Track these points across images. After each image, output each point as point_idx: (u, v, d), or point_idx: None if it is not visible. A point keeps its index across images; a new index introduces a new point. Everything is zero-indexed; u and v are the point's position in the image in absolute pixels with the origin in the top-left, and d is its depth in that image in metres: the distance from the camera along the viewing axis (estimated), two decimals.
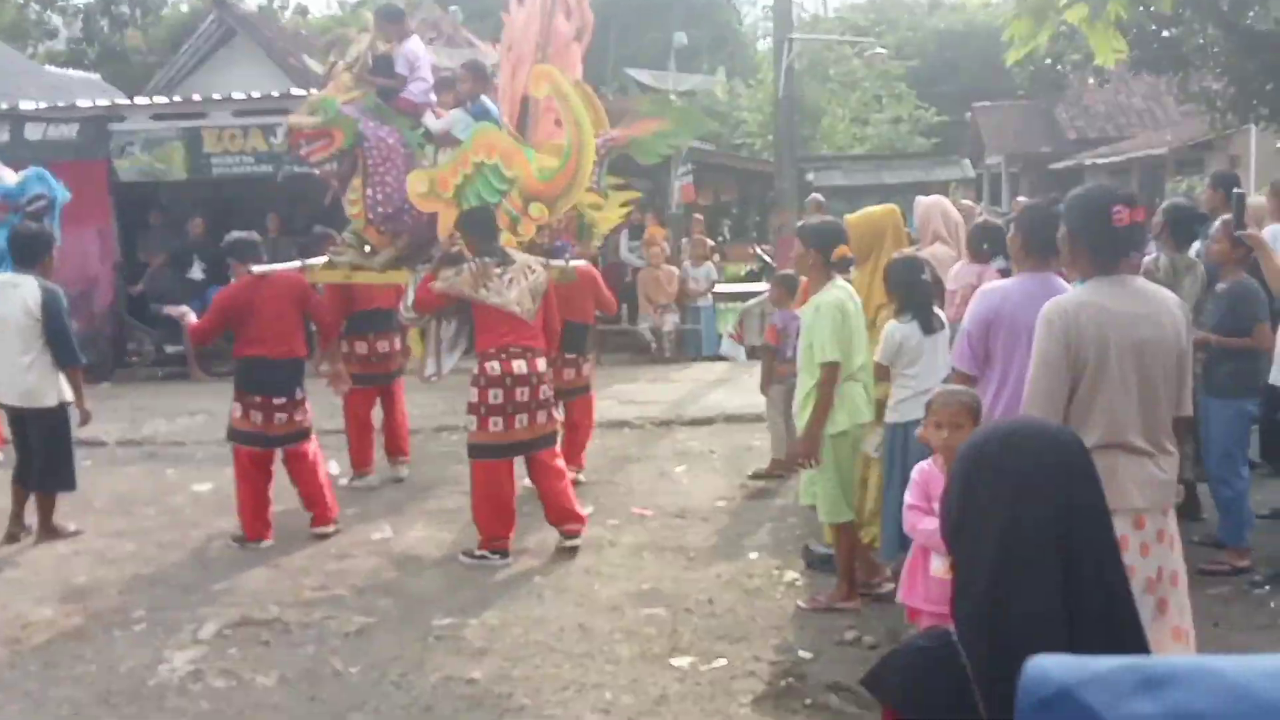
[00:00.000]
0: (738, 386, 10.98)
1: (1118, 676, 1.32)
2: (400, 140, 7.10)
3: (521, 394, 6.08)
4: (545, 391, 6.24)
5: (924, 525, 3.76)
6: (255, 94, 13.72)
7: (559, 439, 6.61)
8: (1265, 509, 6.26)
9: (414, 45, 7.25)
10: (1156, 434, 3.37)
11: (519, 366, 6.07)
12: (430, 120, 7.12)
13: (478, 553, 6.16)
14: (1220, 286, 5.72)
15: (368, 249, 7.30)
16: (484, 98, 7.10)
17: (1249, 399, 5.67)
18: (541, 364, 6.23)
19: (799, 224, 7.01)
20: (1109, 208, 3.31)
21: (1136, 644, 1.81)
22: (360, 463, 7.89)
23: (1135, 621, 1.85)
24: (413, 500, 7.53)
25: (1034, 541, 1.78)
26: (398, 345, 7.94)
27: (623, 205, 7.48)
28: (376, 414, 7.99)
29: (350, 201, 7.20)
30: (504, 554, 6.14)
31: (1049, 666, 1.36)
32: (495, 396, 6.06)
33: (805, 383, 5.21)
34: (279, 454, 6.66)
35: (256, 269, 6.67)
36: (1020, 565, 1.77)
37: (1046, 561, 1.78)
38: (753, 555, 6.12)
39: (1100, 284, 3.38)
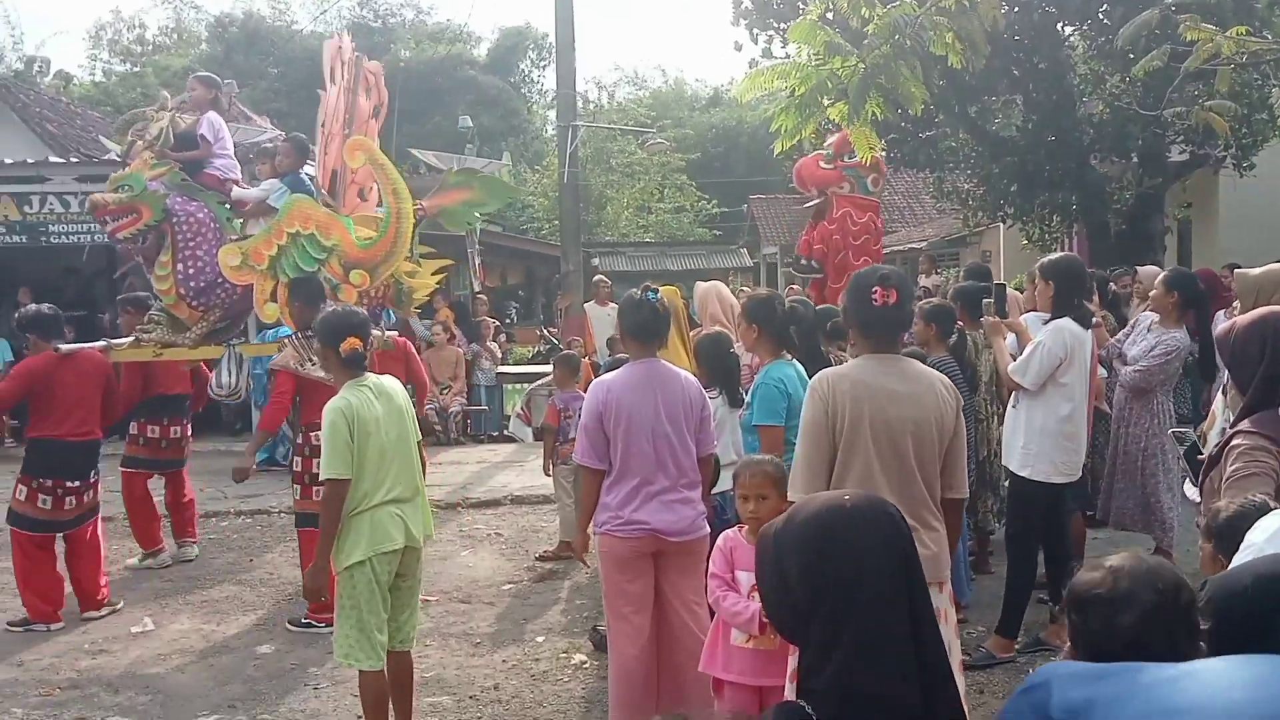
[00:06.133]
0: (525, 468, 10.92)
1: (1083, 672, 1.57)
2: (210, 215, 7.09)
3: None
4: None
5: (729, 605, 3.72)
6: (8, 160, 12.92)
7: None
8: None
9: (216, 117, 7.27)
10: (917, 508, 3.39)
11: None
12: (240, 191, 7.12)
13: (304, 619, 6.16)
14: None
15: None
16: (301, 172, 7.12)
17: None
18: None
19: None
20: (869, 289, 3.49)
21: (955, 710, 1.82)
22: (148, 542, 7.60)
23: (955, 692, 1.86)
24: (178, 591, 7.07)
25: (891, 618, 1.75)
26: (188, 431, 7.77)
27: (435, 273, 7.56)
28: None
29: (159, 278, 7.08)
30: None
31: (1051, 664, 1.66)
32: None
33: None
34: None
35: (63, 348, 6.41)
36: (878, 644, 1.74)
37: (903, 638, 1.75)
38: (540, 639, 6.01)
39: (868, 360, 3.54)
